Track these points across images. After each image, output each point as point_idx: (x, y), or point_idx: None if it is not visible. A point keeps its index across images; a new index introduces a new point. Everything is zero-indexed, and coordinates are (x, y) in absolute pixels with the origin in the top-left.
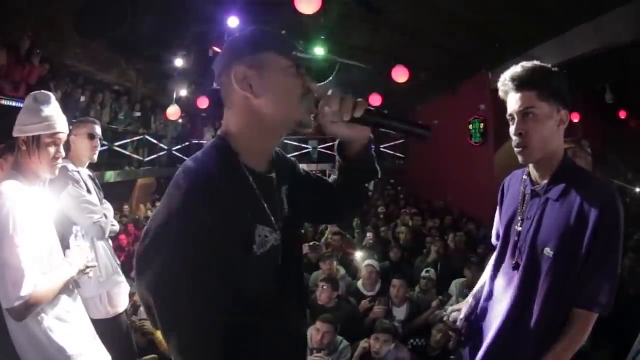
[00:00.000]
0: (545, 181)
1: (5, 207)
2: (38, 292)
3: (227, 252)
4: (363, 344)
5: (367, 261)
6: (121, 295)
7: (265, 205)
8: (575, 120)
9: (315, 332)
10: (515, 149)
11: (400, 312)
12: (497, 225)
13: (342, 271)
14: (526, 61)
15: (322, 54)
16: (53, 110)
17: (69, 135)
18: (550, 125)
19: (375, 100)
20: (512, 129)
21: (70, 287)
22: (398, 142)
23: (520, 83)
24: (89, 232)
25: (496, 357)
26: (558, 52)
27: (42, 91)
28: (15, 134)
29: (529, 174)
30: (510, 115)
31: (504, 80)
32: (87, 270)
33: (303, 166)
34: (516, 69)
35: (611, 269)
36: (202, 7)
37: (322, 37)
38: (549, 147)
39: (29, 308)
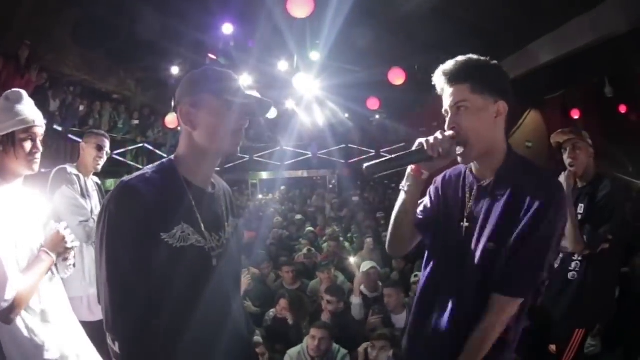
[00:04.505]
0: (491, 177)
1: None
2: (22, 292)
3: (146, 231)
4: (362, 350)
5: (369, 263)
6: None
7: (198, 212)
8: (576, 117)
9: (311, 340)
10: (457, 151)
11: (399, 320)
12: (427, 221)
13: (341, 277)
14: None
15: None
16: (26, 106)
17: (79, 144)
18: (485, 118)
19: (373, 103)
20: (446, 124)
21: (55, 283)
22: (399, 145)
23: (452, 77)
24: (73, 233)
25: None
26: (555, 47)
27: (14, 90)
28: None
29: (471, 170)
30: (446, 111)
31: (438, 76)
32: (69, 252)
33: (304, 173)
34: (449, 63)
35: (531, 255)
36: (197, 15)
37: (317, 41)
38: (487, 140)
39: (15, 309)
